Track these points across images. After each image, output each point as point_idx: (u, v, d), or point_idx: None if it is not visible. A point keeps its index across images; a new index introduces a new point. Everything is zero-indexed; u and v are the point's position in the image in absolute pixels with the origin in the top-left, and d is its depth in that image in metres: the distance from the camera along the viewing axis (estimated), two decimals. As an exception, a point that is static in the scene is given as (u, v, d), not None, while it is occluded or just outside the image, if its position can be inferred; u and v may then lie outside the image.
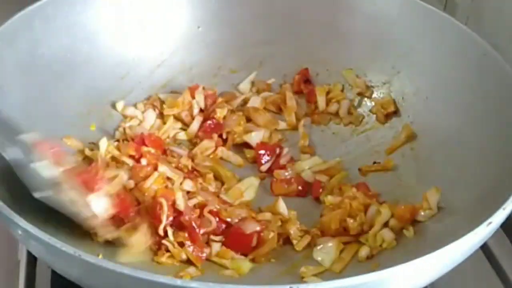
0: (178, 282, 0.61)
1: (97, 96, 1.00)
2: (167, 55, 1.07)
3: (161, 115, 1.03)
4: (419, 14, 0.99)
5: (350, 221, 0.86)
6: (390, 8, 1.02)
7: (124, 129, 0.99)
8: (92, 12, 1.00)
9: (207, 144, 0.98)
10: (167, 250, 0.82)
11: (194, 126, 1.02)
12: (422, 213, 0.86)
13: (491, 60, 0.89)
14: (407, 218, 0.86)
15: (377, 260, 0.83)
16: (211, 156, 0.98)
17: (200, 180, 0.92)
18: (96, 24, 1.01)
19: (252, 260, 0.84)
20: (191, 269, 0.81)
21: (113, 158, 0.93)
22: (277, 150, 0.98)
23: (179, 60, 1.08)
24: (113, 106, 1.02)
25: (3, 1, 1.01)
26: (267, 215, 0.88)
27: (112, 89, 1.03)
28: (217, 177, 0.94)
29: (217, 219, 0.85)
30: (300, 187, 0.94)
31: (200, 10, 1.08)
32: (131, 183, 0.88)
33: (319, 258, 0.84)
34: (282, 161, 0.97)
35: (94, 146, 0.96)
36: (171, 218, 0.83)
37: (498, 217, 0.70)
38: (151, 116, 1.02)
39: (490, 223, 0.69)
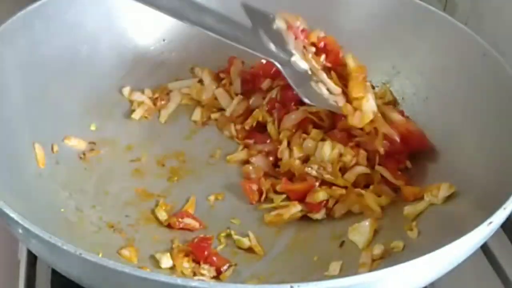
0: (178, 280, 0.61)
1: (97, 96, 1.00)
2: (167, 55, 1.07)
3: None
4: (419, 14, 1.00)
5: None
6: (390, 8, 1.02)
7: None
8: (92, 12, 1.00)
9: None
10: None
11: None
12: (426, 198, 0.86)
13: (491, 60, 0.90)
14: (411, 195, 0.88)
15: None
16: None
17: None
18: (96, 24, 1.01)
19: None
20: None
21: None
22: None
23: (179, 60, 1.08)
24: (120, 91, 1.03)
25: (3, 1, 1.02)
26: None
27: (112, 89, 1.03)
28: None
29: None
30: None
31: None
32: None
33: (355, 238, 0.85)
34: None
35: (94, 145, 0.96)
36: None
37: (499, 217, 0.70)
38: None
39: (490, 223, 0.69)
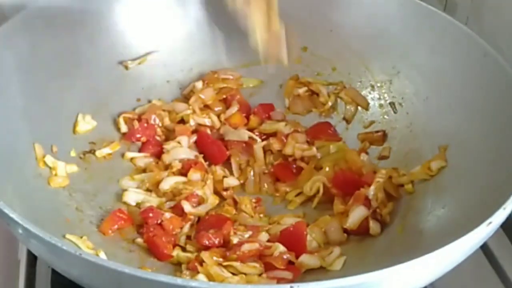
0: (178, 281, 0.61)
1: (97, 96, 1.00)
2: (167, 55, 1.07)
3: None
4: (419, 14, 0.99)
5: None
6: (390, 8, 1.02)
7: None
8: (92, 12, 1.00)
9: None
10: None
11: None
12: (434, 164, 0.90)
13: (491, 60, 0.89)
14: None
15: (374, 252, 0.84)
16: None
17: None
18: (96, 24, 1.01)
19: None
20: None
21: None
22: None
23: (179, 60, 1.08)
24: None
25: (3, 1, 1.02)
26: None
27: (112, 89, 1.03)
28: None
29: None
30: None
31: (200, 10, 1.08)
32: None
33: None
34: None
35: (94, 145, 0.96)
36: None
37: (498, 217, 0.70)
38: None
39: (490, 223, 0.69)
